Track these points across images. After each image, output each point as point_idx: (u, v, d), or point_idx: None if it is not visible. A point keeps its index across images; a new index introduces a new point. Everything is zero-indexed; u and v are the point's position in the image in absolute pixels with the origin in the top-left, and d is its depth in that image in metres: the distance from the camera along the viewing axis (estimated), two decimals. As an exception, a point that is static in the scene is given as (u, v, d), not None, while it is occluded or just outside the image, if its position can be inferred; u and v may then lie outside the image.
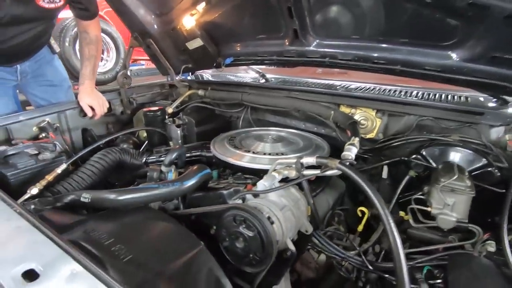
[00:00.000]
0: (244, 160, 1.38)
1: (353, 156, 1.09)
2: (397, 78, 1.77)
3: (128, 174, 1.65)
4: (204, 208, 1.03)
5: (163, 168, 1.30)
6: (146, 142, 1.90)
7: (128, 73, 2.03)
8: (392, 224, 0.85)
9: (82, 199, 1.10)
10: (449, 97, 1.46)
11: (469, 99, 1.43)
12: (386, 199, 1.39)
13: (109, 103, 1.97)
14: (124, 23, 1.96)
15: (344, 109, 1.55)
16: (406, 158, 1.29)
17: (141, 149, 1.86)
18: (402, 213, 1.16)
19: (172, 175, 1.31)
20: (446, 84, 1.31)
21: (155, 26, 1.87)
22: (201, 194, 1.16)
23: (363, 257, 1.16)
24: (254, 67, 2.06)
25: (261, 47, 1.69)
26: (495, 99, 1.34)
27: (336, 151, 1.36)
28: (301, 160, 1.10)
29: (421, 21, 1.20)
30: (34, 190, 1.18)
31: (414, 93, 1.56)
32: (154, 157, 1.64)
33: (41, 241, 0.75)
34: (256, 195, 1.05)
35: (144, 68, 6.80)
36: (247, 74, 2.27)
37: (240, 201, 1.01)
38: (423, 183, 1.25)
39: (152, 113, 1.76)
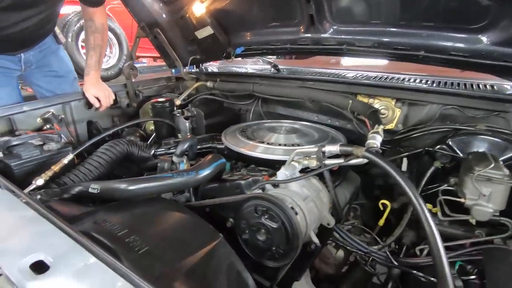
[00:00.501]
0: (259, 150, 1.31)
1: (378, 144, 1.02)
2: (411, 67, 1.72)
3: (136, 167, 1.59)
4: (221, 199, 0.97)
5: (175, 159, 1.24)
6: (154, 134, 1.84)
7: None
8: (428, 215, 0.79)
9: (90, 190, 1.04)
10: (474, 85, 1.39)
11: (495, 87, 1.36)
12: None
13: (115, 95, 1.90)
14: (131, 13, 1.90)
15: (361, 99, 1.49)
16: (431, 149, 1.22)
17: (149, 141, 1.80)
18: (429, 206, 1.10)
19: (184, 166, 1.25)
20: (472, 70, 1.24)
21: (163, 15, 1.81)
22: (216, 185, 1.10)
23: (388, 252, 1.09)
24: (264, 57, 1.99)
25: (274, 35, 1.62)
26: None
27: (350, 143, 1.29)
28: (323, 149, 1.03)
29: (448, 2, 1.13)
30: (39, 181, 1.11)
31: (434, 81, 1.49)
32: (163, 149, 1.58)
33: (50, 232, 0.69)
34: (276, 185, 0.99)
35: (146, 66, 6.75)
36: (256, 66, 2.20)
37: (260, 191, 0.95)
38: (449, 174, 1.19)
39: (160, 104, 1.70)
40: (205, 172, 1.00)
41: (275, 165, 1.31)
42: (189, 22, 1.78)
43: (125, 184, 0.96)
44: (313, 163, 1.07)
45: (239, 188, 1.03)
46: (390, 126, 1.43)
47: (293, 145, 1.35)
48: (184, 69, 2.11)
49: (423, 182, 1.19)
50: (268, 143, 1.37)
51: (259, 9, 1.57)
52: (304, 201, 0.93)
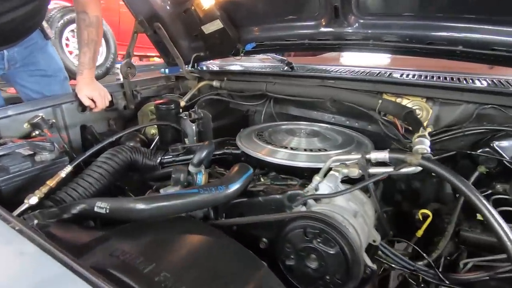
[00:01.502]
0: (282, 156, 1.18)
1: (428, 149, 0.91)
2: (435, 64, 1.63)
3: (140, 177, 1.42)
4: (259, 217, 0.82)
5: (191, 169, 1.08)
6: (156, 139, 1.67)
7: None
8: (506, 226, 0.68)
9: (96, 210, 0.87)
10: (510, 82, 1.31)
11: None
12: (450, 201, 1.24)
13: (111, 96, 1.72)
14: (128, 5, 1.72)
15: (388, 98, 1.37)
16: (474, 152, 1.12)
17: (151, 147, 1.63)
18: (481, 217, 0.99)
19: (201, 177, 1.10)
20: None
21: (167, 7, 1.64)
22: (245, 200, 0.95)
23: (436, 269, 0.98)
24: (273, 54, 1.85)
25: (290, 30, 1.48)
26: None
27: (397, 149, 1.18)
28: (367, 156, 0.91)
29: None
30: (33, 199, 0.94)
31: (464, 79, 1.40)
32: (171, 156, 1.42)
33: (58, 274, 0.53)
34: (317, 200, 0.86)
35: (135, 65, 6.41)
36: (263, 63, 2.06)
37: (303, 208, 0.81)
38: (494, 180, 1.09)
39: (165, 106, 1.53)
40: (236, 186, 0.85)
41: (303, 173, 1.19)
42: (195, 16, 1.62)
43: (142, 204, 0.80)
44: (355, 172, 0.94)
45: (275, 204, 0.89)
46: (429, 129, 1.33)
47: (319, 150, 1.23)
48: (187, 67, 1.94)
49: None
50: (291, 148, 1.24)
51: (275, 1, 1.43)
52: (355, 218, 0.80)
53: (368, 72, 1.52)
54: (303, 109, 1.71)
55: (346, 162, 0.97)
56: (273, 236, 0.88)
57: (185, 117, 1.57)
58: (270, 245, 0.87)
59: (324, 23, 1.39)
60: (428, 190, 1.39)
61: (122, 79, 1.83)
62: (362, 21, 1.30)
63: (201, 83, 1.87)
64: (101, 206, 0.87)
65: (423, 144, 0.92)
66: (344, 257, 0.68)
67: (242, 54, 1.70)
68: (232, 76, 1.81)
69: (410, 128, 1.29)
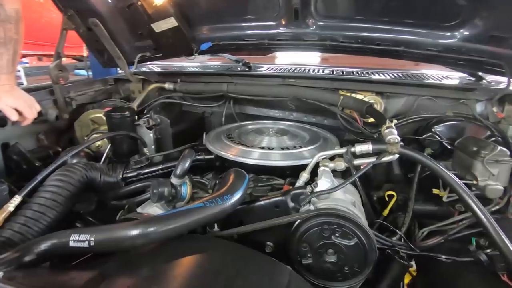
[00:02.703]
0: (260, 157, 1.18)
1: (399, 139, 1.03)
2: (371, 62, 1.85)
3: (100, 197, 1.23)
4: (270, 221, 0.80)
5: (175, 181, 0.99)
6: (106, 152, 1.46)
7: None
8: (477, 201, 0.83)
9: (73, 244, 0.73)
10: (436, 77, 1.57)
11: (452, 78, 1.56)
12: (399, 181, 1.42)
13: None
14: (54, -4, 1.45)
15: (343, 94, 1.50)
16: (420, 137, 1.31)
17: (102, 161, 1.42)
18: (436, 191, 1.17)
19: (186, 188, 1.01)
20: (442, 64, 1.38)
21: (107, 1, 1.44)
22: (245, 206, 0.91)
23: (407, 241, 1.13)
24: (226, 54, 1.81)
25: (249, 29, 1.48)
26: (473, 77, 1.49)
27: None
28: (352, 149, 0.98)
29: (426, 1, 1.22)
30: (-25, 246, 0.72)
31: (398, 75, 1.63)
32: (133, 169, 1.27)
33: None
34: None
35: (29, 67, 5.40)
36: (213, 62, 2.00)
37: (311, 207, 0.83)
38: (437, 158, 1.30)
39: (119, 114, 1.35)
40: (240, 194, 0.81)
41: (285, 171, 1.21)
42: (141, 12, 1.47)
43: (138, 229, 0.69)
44: (341, 165, 1.01)
45: (278, 206, 0.88)
46: (372, 119, 1.49)
47: (295, 147, 1.27)
48: (132, 68, 1.75)
49: (419, 168, 1.27)
50: (268, 148, 1.25)
51: (234, 0, 1.40)
52: (355, 207, 0.86)
53: (323, 71, 1.63)
54: (262, 108, 1.73)
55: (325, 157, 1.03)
56: (279, 239, 0.88)
57: (142, 124, 1.41)
58: (277, 249, 0.87)
59: (283, 24, 1.42)
60: (379, 173, 1.58)
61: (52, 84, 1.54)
62: (319, 23, 1.38)
63: (151, 86, 1.71)
64: (80, 239, 0.73)
65: (393, 134, 1.04)
66: (362, 247, 0.73)
67: (196, 54, 1.62)
68: (186, 78, 1.71)
69: (370, 120, 1.45)
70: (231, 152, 1.22)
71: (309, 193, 0.85)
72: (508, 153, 1.03)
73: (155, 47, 1.63)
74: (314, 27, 1.40)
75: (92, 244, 0.72)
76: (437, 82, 1.43)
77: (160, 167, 1.27)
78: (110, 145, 1.45)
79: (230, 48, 1.59)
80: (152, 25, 1.47)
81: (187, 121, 1.75)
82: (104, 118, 1.51)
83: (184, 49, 1.58)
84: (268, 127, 1.52)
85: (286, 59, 2.51)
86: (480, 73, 1.49)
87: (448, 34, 1.27)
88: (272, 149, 1.25)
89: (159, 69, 2.00)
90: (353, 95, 1.50)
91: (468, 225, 1.11)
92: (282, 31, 1.44)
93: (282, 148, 1.25)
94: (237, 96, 1.59)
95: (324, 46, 1.43)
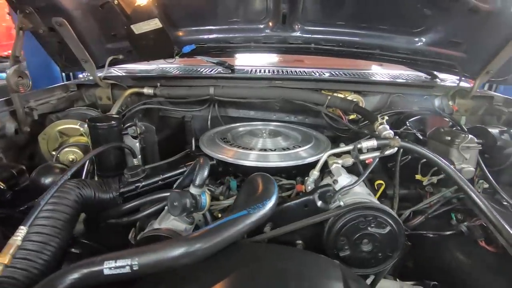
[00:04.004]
0: (266, 160, 1.21)
1: (393, 133, 1.16)
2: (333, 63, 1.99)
3: (92, 216, 1.11)
4: (310, 219, 0.82)
5: (194, 191, 0.95)
6: (87, 166, 1.32)
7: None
8: (469, 185, 0.97)
9: (110, 272, 0.67)
10: (401, 76, 1.77)
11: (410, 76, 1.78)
12: (379, 171, 1.57)
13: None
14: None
15: (325, 93, 1.60)
16: (398, 131, 1.48)
17: (84, 177, 1.28)
18: (418, 176, 1.34)
19: (206, 197, 0.98)
20: (409, 66, 1.57)
21: (77, -2, 1.29)
22: (276, 208, 0.92)
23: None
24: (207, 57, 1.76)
25: (235, 32, 1.47)
26: (429, 76, 1.73)
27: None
28: (359, 146, 1.07)
29: (397, 9, 1.38)
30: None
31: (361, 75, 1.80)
32: (131, 183, 1.17)
33: None
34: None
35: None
36: (191, 66, 1.94)
37: (341, 203, 0.88)
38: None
39: (106, 124, 1.22)
40: (275, 197, 0.82)
41: (292, 171, 1.25)
42: (116, 11, 1.35)
43: (190, 245, 0.66)
44: (349, 161, 1.09)
45: (308, 205, 0.91)
46: (353, 116, 1.62)
47: (294, 147, 1.32)
48: (102, 73, 1.60)
49: (399, 158, 1.43)
50: (271, 150, 1.28)
51: (221, 3, 1.38)
52: (373, 198, 0.94)
53: (305, 72, 1.71)
54: (245, 110, 1.74)
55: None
56: (308, 237, 0.92)
57: (132, 133, 1.31)
58: (307, 247, 0.90)
59: (270, 28, 1.46)
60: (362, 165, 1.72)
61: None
62: (305, 27, 1.45)
63: (128, 91, 1.59)
64: (118, 265, 0.67)
65: (387, 130, 1.16)
66: (394, 233, 0.81)
67: (177, 57, 1.55)
68: (166, 82, 1.62)
69: (351, 117, 1.57)
70: (233, 156, 1.22)
71: (335, 190, 0.91)
72: (476, 140, 1.24)
73: (132, 50, 1.51)
74: (299, 31, 1.46)
75: (135, 268, 0.66)
76: (407, 81, 1.62)
77: (159, 177, 1.19)
78: (88, 158, 1.31)
79: (214, 51, 1.56)
80: (132, 26, 1.37)
81: (167, 128, 1.67)
82: (81, 128, 1.37)
83: (165, 52, 1.51)
84: (260, 128, 1.53)
85: (246, 60, 2.54)
86: (435, 72, 1.73)
87: (416, 39, 1.45)
88: (274, 150, 1.28)
89: (123, 73, 1.85)
90: (335, 94, 1.61)
91: (442, 203, 1.29)
92: (268, 34, 1.48)
93: (284, 149, 1.29)
94: (224, 99, 1.58)
95: (309, 49, 1.51)
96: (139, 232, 1.03)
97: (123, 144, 1.26)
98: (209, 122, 1.67)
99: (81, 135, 1.50)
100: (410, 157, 1.35)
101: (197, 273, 0.67)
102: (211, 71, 1.71)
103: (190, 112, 1.74)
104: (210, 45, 1.51)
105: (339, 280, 0.67)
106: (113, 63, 1.62)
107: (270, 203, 0.80)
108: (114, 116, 1.33)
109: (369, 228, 0.81)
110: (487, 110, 1.64)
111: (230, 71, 1.67)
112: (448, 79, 1.75)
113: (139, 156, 1.42)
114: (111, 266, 0.67)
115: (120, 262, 0.67)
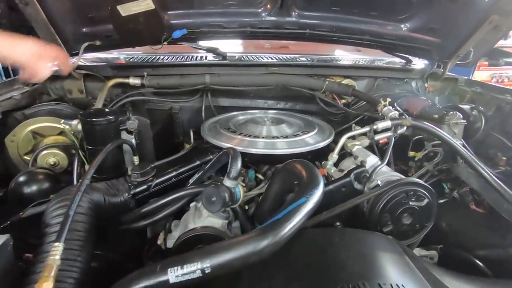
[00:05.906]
0: (279, 147, 1.20)
1: (397, 113, 1.23)
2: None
3: (106, 222, 0.98)
4: (354, 200, 0.83)
5: (230, 184, 0.89)
6: (77, 169, 1.15)
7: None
8: (485, 168, 1.06)
9: (177, 279, 0.61)
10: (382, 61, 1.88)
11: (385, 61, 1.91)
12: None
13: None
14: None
15: (317, 79, 1.62)
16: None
17: (75, 181, 1.12)
18: (412, 152, 1.45)
19: (240, 189, 0.93)
20: (393, 51, 1.68)
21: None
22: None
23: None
24: (201, 43, 1.64)
25: (230, 16, 1.40)
26: (404, 60, 1.87)
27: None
28: (375, 127, 1.12)
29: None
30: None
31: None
32: (142, 182, 1.06)
33: None
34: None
35: None
36: (178, 54, 1.79)
37: (379, 182, 0.92)
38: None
39: (104, 119, 1.07)
40: (322, 182, 0.82)
41: (306, 157, 1.26)
42: (98, -10, 1.18)
43: (265, 238, 0.63)
44: (367, 142, 1.14)
45: (346, 186, 0.93)
46: (344, 100, 1.69)
47: (303, 133, 1.33)
48: (75, 59, 1.39)
49: (393, 139, 1.53)
50: (283, 137, 1.27)
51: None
52: (399, 174, 1.00)
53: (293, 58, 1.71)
54: (238, 99, 1.69)
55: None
56: (345, 218, 0.94)
57: (131, 128, 1.17)
58: (344, 226, 0.93)
59: (267, 12, 1.42)
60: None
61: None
62: (301, 12, 1.44)
63: (111, 82, 1.41)
64: (186, 271, 0.61)
65: (392, 111, 1.23)
66: (431, 205, 0.87)
67: (165, 43, 1.42)
68: (154, 71, 1.48)
69: (343, 101, 1.63)
70: (248, 145, 1.19)
71: (369, 171, 0.94)
72: (462, 116, 1.38)
73: (113, 34, 1.34)
74: (296, 16, 1.45)
75: (207, 271, 0.61)
76: (391, 66, 1.73)
77: (173, 174, 1.10)
78: (77, 160, 1.15)
79: (206, 36, 1.47)
80: (118, 7, 1.20)
81: (157, 120, 1.54)
82: (66, 126, 1.18)
83: (153, 37, 1.37)
84: (261, 116, 1.50)
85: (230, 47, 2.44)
86: (409, 57, 1.88)
87: (402, 25, 1.55)
88: (286, 137, 1.27)
89: (87, 63, 1.63)
90: (328, 79, 1.65)
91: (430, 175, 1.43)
92: (264, 19, 1.43)
93: (295, 136, 1.28)
94: (219, 88, 1.50)
95: (303, 35, 1.51)
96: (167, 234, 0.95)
97: (128, 141, 1.12)
98: (203, 113, 1.58)
99: (60, 134, 1.31)
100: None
101: (279, 263, 0.64)
102: (201, 59, 1.61)
103: (177, 103, 1.62)
104: (203, 30, 1.42)
105: (401, 254, 0.70)
106: (89, 50, 1.42)
107: (321, 187, 0.80)
108: (109, 110, 1.17)
109: (410, 203, 0.86)
110: (452, 90, 1.85)
111: (222, 58, 1.59)
112: (418, 63, 1.92)
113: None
114: (177, 274, 0.60)
115: (188, 268, 0.61)
